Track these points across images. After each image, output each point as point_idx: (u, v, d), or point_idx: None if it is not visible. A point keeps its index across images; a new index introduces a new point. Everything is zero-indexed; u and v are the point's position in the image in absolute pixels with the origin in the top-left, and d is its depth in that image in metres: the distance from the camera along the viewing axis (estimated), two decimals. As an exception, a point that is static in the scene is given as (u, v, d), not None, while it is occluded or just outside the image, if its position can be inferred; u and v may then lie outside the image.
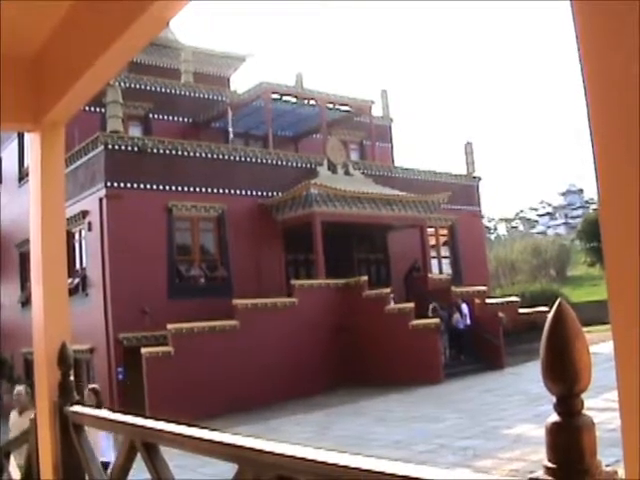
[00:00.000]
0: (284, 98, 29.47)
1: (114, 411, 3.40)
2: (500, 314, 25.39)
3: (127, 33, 2.67)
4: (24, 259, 26.73)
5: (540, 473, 1.22)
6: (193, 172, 24.38)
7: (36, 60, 3.70)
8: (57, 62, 3.52)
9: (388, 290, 24.49)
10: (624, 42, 1.09)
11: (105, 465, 3.64)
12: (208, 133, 29.40)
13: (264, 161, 26.63)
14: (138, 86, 29.36)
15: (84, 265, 23.96)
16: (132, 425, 2.87)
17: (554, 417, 1.20)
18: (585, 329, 1.18)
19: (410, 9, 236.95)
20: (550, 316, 1.16)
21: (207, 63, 35.64)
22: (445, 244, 32.79)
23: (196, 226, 24.72)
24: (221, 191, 25.03)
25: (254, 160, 26.35)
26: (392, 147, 36.72)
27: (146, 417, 2.88)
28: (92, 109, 25.26)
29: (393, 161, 35.52)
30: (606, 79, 1.13)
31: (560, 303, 1.17)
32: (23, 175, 28.01)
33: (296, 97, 29.69)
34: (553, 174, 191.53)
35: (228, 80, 36.89)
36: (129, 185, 22.90)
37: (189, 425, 2.48)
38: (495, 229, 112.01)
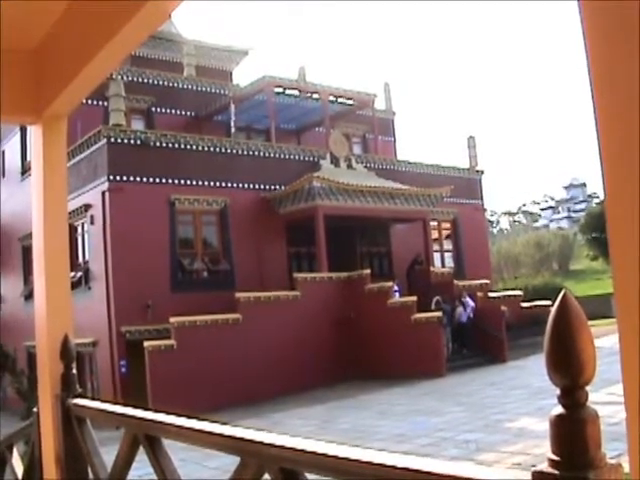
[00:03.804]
0: (287, 91, 29.42)
1: (117, 404, 3.40)
2: (503, 308, 25.36)
3: (128, 25, 2.67)
4: (27, 253, 26.74)
5: (544, 465, 1.22)
6: (195, 165, 24.37)
7: (38, 53, 3.70)
8: (59, 55, 3.52)
9: (391, 284, 24.48)
10: (631, 37, 1.09)
11: None
12: (210, 127, 29.38)
13: (267, 154, 26.62)
14: (140, 79, 29.33)
15: (87, 259, 23.97)
16: (135, 418, 2.87)
17: (558, 409, 1.20)
18: (588, 323, 1.18)
19: (413, 3, 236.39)
20: (554, 307, 1.16)
21: (209, 57, 35.59)
22: (448, 238, 32.78)
23: (198, 219, 24.72)
24: (224, 184, 25.01)
25: (256, 153, 26.34)
26: (395, 140, 36.67)
27: (149, 410, 2.88)
28: (94, 102, 25.24)
29: (396, 154, 35.46)
30: (612, 73, 1.13)
31: (565, 294, 1.16)
32: (26, 169, 27.99)
33: (299, 90, 29.63)
34: (556, 168, 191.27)
35: (231, 74, 36.85)
36: (131, 178, 22.91)
37: (191, 418, 2.48)
38: (498, 223, 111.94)
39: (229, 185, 25.14)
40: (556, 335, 1.15)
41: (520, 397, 16.81)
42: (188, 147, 24.46)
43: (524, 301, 29.04)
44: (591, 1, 1.17)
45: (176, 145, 24.18)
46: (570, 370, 1.15)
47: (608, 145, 1.14)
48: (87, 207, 23.39)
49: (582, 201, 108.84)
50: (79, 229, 24.42)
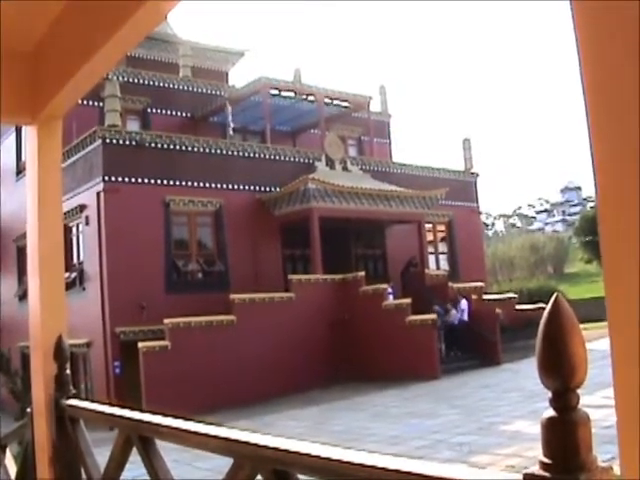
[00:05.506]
0: (282, 93, 29.42)
1: (110, 405, 3.39)
2: (497, 310, 25.36)
3: (124, 27, 2.67)
4: (21, 253, 26.67)
5: (535, 468, 1.22)
6: (191, 167, 24.35)
7: (34, 54, 3.70)
8: (55, 56, 3.52)
9: (385, 286, 24.47)
10: (622, 39, 1.09)
11: None
12: (206, 128, 29.36)
13: (262, 156, 26.61)
14: (136, 80, 29.29)
15: (81, 259, 23.94)
16: (128, 419, 2.87)
17: (549, 412, 1.20)
18: (582, 326, 1.18)
19: (409, 5, 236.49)
20: (546, 310, 1.16)
21: (205, 58, 35.58)
22: (443, 240, 32.78)
23: (193, 221, 24.70)
24: (219, 186, 24.99)
25: (252, 155, 26.33)
26: (390, 143, 36.67)
27: (143, 411, 2.88)
28: (90, 103, 25.19)
29: (391, 157, 35.49)
30: (604, 76, 1.13)
31: (557, 297, 1.16)
32: (21, 169, 27.92)
33: (294, 92, 29.63)
34: (551, 171, 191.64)
35: (226, 75, 36.85)
36: (127, 179, 22.88)
37: (185, 419, 2.48)
38: (493, 225, 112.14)
39: (224, 186, 25.12)
40: (547, 338, 1.15)
41: (514, 400, 16.81)
42: (183, 148, 24.44)
43: (519, 304, 29.06)
44: (583, 1, 1.17)
45: (171, 146, 24.16)
46: (561, 373, 1.16)
47: (600, 148, 1.14)
48: (82, 208, 23.35)
49: (577, 204, 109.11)
50: (74, 230, 24.37)
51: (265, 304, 22.75)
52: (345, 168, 28.47)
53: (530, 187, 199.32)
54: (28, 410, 4.00)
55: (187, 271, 24.29)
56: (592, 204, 79.98)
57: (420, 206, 28.53)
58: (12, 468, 4.61)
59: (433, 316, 23.12)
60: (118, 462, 2.96)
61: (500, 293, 33.34)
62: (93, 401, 3.85)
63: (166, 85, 30.24)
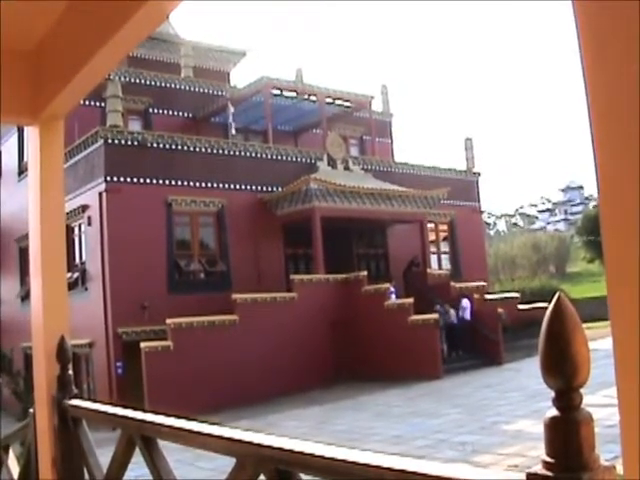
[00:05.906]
0: (284, 93, 29.42)
1: (113, 405, 3.39)
2: (499, 310, 25.35)
3: (126, 27, 2.67)
4: (23, 254, 26.69)
5: (538, 467, 1.22)
6: (193, 167, 24.36)
7: (35, 54, 3.70)
8: (56, 56, 3.52)
9: (387, 285, 24.46)
10: (624, 39, 1.09)
11: None
12: (208, 128, 29.36)
13: (264, 156, 26.60)
14: (138, 80, 29.30)
15: (84, 259, 23.95)
16: (131, 419, 2.87)
17: (552, 411, 1.20)
18: (585, 325, 1.18)
19: (411, 5, 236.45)
20: (549, 309, 1.16)
21: (207, 58, 35.58)
22: (444, 239, 32.78)
23: (195, 221, 24.70)
24: (221, 186, 25.00)
25: (254, 155, 26.33)
26: (392, 142, 36.66)
27: (145, 411, 2.88)
28: (92, 103, 25.21)
29: (393, 156, 35.48)
30: (606, 76, 1.13)
31: (559, 296, 1.16)
32: (23, 169, 27.94)
33: (296, 92, 29.62)
34: (553, 170, 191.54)
35: (228, 75, 36.84)
36: (129, 179, 22.89)
37: (188, 419, 2.48)
38: (495, 225, 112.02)
39: (226, 186, 25.12)
40: (550, 337, 1.15)
41: (516, 399, 16.81)
42: (185, 148, 24.44)
43: (521, 303, 29.03)
44: (585, 1, 1.17)
45: (173, 146, 24.16)
46: (564, 372, 1.16)
47: (603, 147, 1.14)
48: (84, 208, 23.37)
49: (579, 203, 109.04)
50: (76, 230, 24.39)
51: (267, 304, 22.74)
52: (347, 168, 28.47)
53: (532, 186, 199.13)
54: (31, 410, 4.00)
55: (189, 271, 24.31)
56: (594, 203, 79.92)
57: (422, 206, 28.52)
58: (15, 469, 4.61)
59: (435, 316, 23.12)
60: (120, 462, 2.96)
61: (502, 292, 33.32)
62: (95, 401, 3.85)
63: (168, 85, 30.25)
